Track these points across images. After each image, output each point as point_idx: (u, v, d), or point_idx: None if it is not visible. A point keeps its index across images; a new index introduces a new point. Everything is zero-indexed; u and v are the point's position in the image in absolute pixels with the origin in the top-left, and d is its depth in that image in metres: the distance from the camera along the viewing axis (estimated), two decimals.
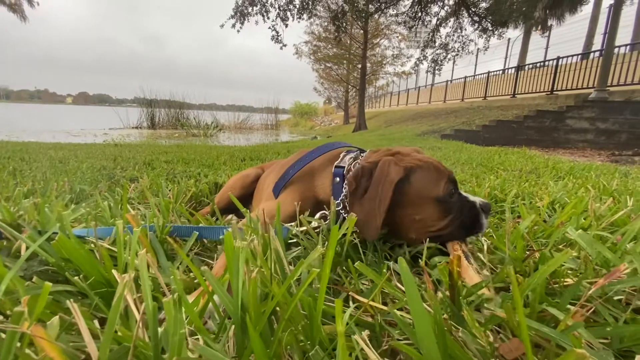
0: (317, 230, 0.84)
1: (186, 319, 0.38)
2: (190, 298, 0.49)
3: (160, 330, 0.33)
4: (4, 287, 0.40)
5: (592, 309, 0.55)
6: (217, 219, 1.14)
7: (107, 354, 0.29)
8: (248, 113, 24.67)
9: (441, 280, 0.58)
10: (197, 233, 0.79)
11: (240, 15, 11.88)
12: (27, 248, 0.61)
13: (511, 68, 12.95)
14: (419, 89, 20.94)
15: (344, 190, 0.91)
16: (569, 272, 0.70)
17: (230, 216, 1.30)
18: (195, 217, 1.11)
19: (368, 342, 0.34)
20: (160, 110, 20.07)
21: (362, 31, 17.13)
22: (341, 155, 1.02)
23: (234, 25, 11.95)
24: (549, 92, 10.04)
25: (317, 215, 0.89)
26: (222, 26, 12.04)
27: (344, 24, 13.51)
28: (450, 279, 0.47)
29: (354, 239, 0.72)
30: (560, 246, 0.88)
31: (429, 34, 14.97)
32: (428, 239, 0.82)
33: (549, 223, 1.13)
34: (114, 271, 0.41)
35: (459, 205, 0.85)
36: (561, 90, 9.77)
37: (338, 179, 0.94)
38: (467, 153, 5.37)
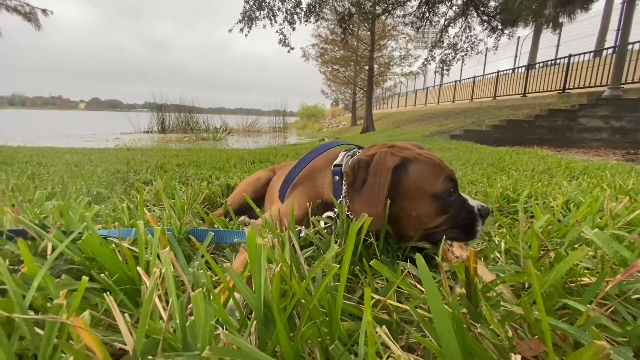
0: (327, 230, 0.85)
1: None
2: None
3: (187, 323, 0.34)
4: (36, 283, 0.42)
5: (611, 308, 0.55)
6: (230, 219, 1.15)
7: (142, 344, 0.31)
8: (256, 116, 24.88)
9: (457, 277, 0.59)
10: (212, 234, 0.81)
11: (248, 19, 12.01)
12: (54, 247, 0.63)
13: (521, 67, 12.76)
14: (427, 90, 20.81)
15: (344, 188, 0.91)
16: (585, 271, 0.70)
17: (243, 217, 1.32)
18: (211, 217, 1.13)
19: (389, 334, 0.35)
20: (170, 114, 20.37)
21: (369, 33, 17.12)
22: (340, 154, 1.03)
23: (241, 30, 12.09)
24: (560, 91, 9.87)
25: (324, 216, 0.90)
26: (230, 31, 12.19)
27: (351, 26, 13.53)
28: (466, 275, 0.47)
29: (368, 238, 0.73)
30: (576, 245, 0.88)
31: (437, 34, 14.89)
32: (422, 238, 0.82)
33: (564, 223, 1.12)
34: (138, 268, 0.42)
35: (456, 206, 0.84)
36: (573, 88, 9.59)
37: (337, 177, 0.95)
38: (478, 153, 5.31)
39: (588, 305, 0.45)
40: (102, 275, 0.46)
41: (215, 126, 19.81)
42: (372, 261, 0.50)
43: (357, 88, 23.53)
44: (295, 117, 40.64)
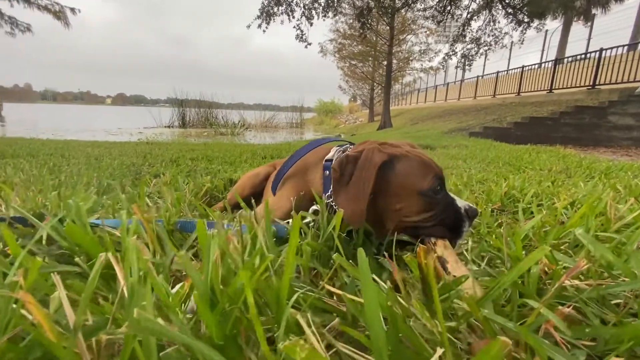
0: (313, 223, 0.86)
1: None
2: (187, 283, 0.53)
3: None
4: (17, 263, 0.46)
5: (569, 308, 0.54)
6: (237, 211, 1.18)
7: (82, 318, 0.34)
8: (274, 112, 25.09)
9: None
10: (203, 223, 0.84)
11: (266, 15, 12.07)
12: (50, 234, 0.68)
13: (549, 61, 12.21)
14: (447, 85, 20.29)
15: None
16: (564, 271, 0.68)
17: (240, 211, 1.35)
18: (206, 210, 1.17)
19: (310, 321, 0.36)
20: (190, 109, 20.85)
21: (388, 27, 16.84)
22: (332, 150, 1.03)
23: (259, 26, 12.17)
24: (590, 87, 9.39)
25: (310, 210, 0.91)
26: (248, 27, 12.30)
27: (370, 20, 13.35)
28: (420, 271, 0.48)
29: (343, 233, 0.74)
30: (563, 246, 0.85)
31: (459, 28, 14.47)
32: (402, 230, 0.82)
33: (567, 223, 1.08)
34: (108, 254, 0.45)
35: (442, 205, 0.84)
36: (604, 84, 9.10)
37: (328, 172, 0.96)
38: (495, 151, 5.16)
39: (539, 304, 0.44)
40: (78, 259, 0.50)
41: (234, 121, 20.14)
42: (334, 254, 0.51)
43: (375, 84, 23.25)
44: (312, 113, 40.69)
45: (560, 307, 0.55)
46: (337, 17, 15.93)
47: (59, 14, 10.54)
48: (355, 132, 20.21)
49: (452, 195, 0.87)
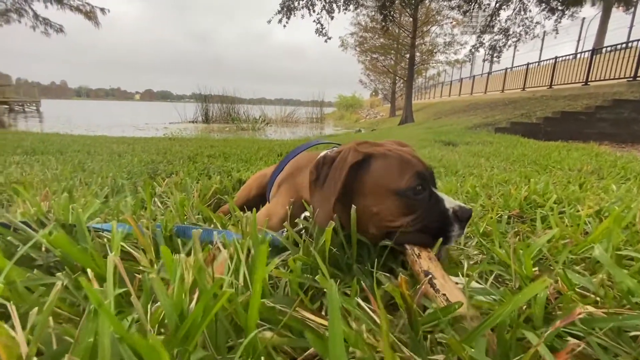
0: (304, 231, 0.83)
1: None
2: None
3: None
4: (2, 276, 0.47)
5: (579, 348, 0.48)
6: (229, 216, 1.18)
7: (34, 351, 0.33)
8: (294, 107, 25.17)
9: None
10: (201, 232, 0.84)
11: (287, 10, 12.05)
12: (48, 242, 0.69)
13: (585, 52, 11.45)
14: (473, 78, 19.52)
15: None
16: (585, 298, 0.62)
17: (247, 213, 1.35)
18: (219, 213, 1.17)
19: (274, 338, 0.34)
20: (213, 105, 21.28)
21: (411, 19, 16.35)
22: (322, 153, 1.00)
23: (280, 21, 12.17)
24: (631, 79, 8.73)
25: (302, 216, 0.88)
26: (269, 22, 12.33)
27: (392, 12, 13.02)
28: (404, 301, 0.44)
29: (332, 248, 0.71)
30: (583, 264, 0.78)
31: (486, 18, 13.85)
32: (386, 236, 0.77)
33: (589, 236, 1.00)
34: (88, 270, 0.45)
35: (426, 206, 0.77)
36: None
37: None
38: (522, 148, 4.91)
39: (538, 339, 0.39)
40: (58, 274, 0.50)
41: (255, 116, 20.38)
42: (317, 276, 0.49)
43: (397, 77, 22.74)
44: (333, 108, 40.46)
45: (570, 340, 0.50)
46: (358, 10, 15.63)
47: (90, 14, 11.01)
48: (376, 127, 19.92)
49: (440, 194, 0.80)
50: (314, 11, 12.30)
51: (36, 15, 10.34)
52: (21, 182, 1.39)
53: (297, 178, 1.00)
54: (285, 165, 1.07)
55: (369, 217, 0.78)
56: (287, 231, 0.81)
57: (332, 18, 12.63)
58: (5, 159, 2.53)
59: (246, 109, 21.72)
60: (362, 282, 0.62)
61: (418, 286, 0.55)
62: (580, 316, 0.44)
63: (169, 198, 1.50)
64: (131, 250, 0.74)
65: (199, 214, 1.17)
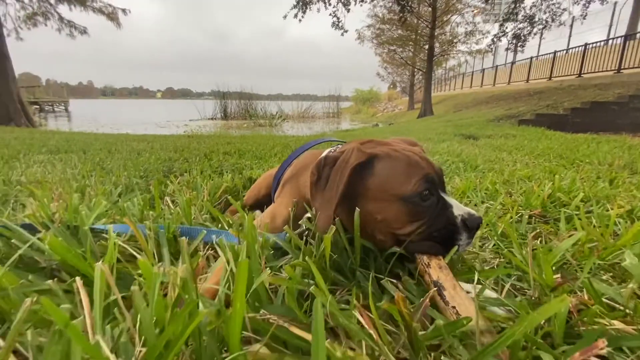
0: (307, 232, 0.80)
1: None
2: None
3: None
4: None
5: None
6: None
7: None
8: (310, 102, 25.12)
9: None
10: (205, 233, 0.82)
11: (303, 4, 11.96)
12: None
13: (617, 37, 10.75)
14: (496, 69, 18.77)
15: None
16: (613, 311, 0.56)
17: (256, 212, 1.34)
18: (230, 212, 1.16)
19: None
20: (232, 102, 21.56)
21: (430, 8, 15.86)
22: (326, 151, 0.95)
23: (296, 15, 12.10)
24: None
25: (304, 218, 0.85)
26: (284, 17, 12.28)
27: (410, 2, 12.66)
28: (402, 318, 0.40)
29: (332, 254, 0.67)
30: (603, 276, 0.71)
31: (509, 5, 13.24)
32: (395, 243, 0.73)
33: (619, 239, 0.92)
34: (77, 278, 0.44)
35: (433, 213, 0.71)
36: None
37: None
38: (547, 142, 4.68)
39: None
40: (49, 282, 0.49)
41: (272, 112, 20.51)
42: (311, 287, 0.46)
43: (415, 69, 22.20)
44: (349, 102, 40.10)
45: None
46: (375, 2, 15.29)
47: (112, 15, 11.33)
48: (393, 120, 19.60)
49: (449, 200, 0.74)
50: (329, 4, 12.16)
51: (61, 18, 10.74)
52: (39, 182, 1.44)
53: (300, 178, 0.96)
54: (287, 165, 1.04)
55: (373, 223, 0.74)
56: (279, 240, 0.78)
57: (348, 11, 12.44)
58: (30, 158, 2.64)
59: (263, 105, 21.89)
60: (360, 290, 0.59)
61: (420, 301, 0.51)
62: (603, 351, 0.39)
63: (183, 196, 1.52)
64: (134, 252, 0.73)
65: (207, 214, 1.16)
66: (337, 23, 12.59)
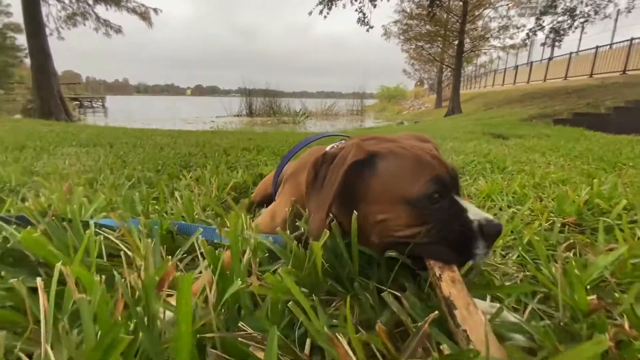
0: (304, 236, 0.74)
1: None
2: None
3: None
4: None
5: None
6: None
7: None
8: (334, 99, 25.00)
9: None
10: (201, 230, 0.79)
11: (328, 0, 11.87)
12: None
13: None
14: (531, 65, 17.78)
15: None
16: None
17: (263, 210, 1.30)
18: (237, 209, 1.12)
19: None
20: (257, 99, 21.88)
21: (460, 3, 15.24)
22: (327, 147, 0.88)
23: (321, 12, 12.03)
24: None
25: (303, 219, 0.78)
26: (310, 13, 12.24)
27: None
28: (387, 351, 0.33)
29: (325, 262, 0.61)
30: None
31: None
32: (392, 246, 0.65)
33: None
34: (38, 279, 0.41)
35: (443, 216, 0.63)
36: None
37: None
38: (586, 143, 4.35)
39: None
40: (12, 280, 0.46)
41: (295, 110, 20.61)
42: (289, 303, 0.40)
43: (444, 66, 21.48)
44: (374, 100, 39.54)
45: None
46: None
47: (145, 15, 11.78)
48: (419, 119, 19.11)
49: (464, 203, 0.65)
50: (355, 0, 11.98)
51: (98, 18, 11.30)
52: (49, 174, 1.47)
53: (300, 175, 0.90)
54: (286, 161, 0.98)
55: (372, 225, 0.66)
56: (269, 243, 0.73)
57: (374, 6, 12.20)
58: (59, 150, 2.75)
59: (288, 102, 22.04)
60: (358, 302, 0.52)
61: (419, 325, 0.44)
62: None
63: (190, 191, 1.51)
64: (124, 249, 0.71)
65: (211, 210, 1.13)
66: (362, 19, 12.39)
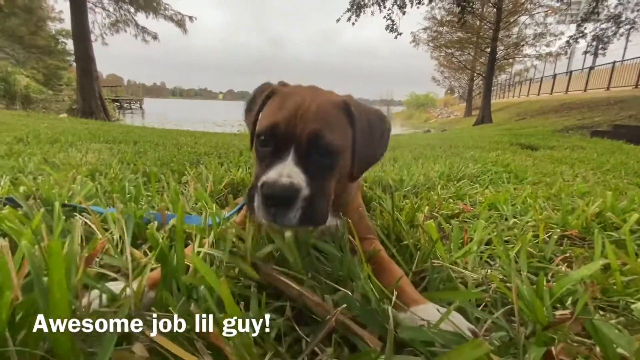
0: None
1: None
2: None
3: None
4: None
5: None
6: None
7: None
8: None
9: None
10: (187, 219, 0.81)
11: (357, 7, 11.92)
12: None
13: None
14: (570, 74, 16.84)
15: None
16: None
17: None
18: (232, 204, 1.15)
19: None
20: None
21: (494, 9, 14.77)
22: None
23: (349, 19, 12.09)
24: None
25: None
26: (338, 20, 12.35)
27: (472, 3, 11.91)
28: None
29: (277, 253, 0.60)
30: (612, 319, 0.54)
31: (589, 3, 11.82)
32: None
33: None
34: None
35: (265, 162, 0.66)
36: None
37: None
38: (622, 156, 4.04)
39: None
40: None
41: None
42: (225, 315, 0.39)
43: (475, 74, 20.85)
44: (402, 107, 38.98)
45: None
46: (432, 4, 14.62)
47: (180, 22, 12.42)
48: (447, 127, 18.62)
49: (286, 161, 0.63)
50: (384, 7, 11.95)
51: (137, 25, 12.07)
52: (55, 165, 1.57)
53: None
54: None
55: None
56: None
57: (403, 13, 12.11)
58: (87, 145, 2.93)
59: None
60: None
61: None
62: None
63: (186, 186, 1.55)
64: (98, 232, 0.74)
65: (196, 203, 1.16)
66: (391, 26, 12.32)
